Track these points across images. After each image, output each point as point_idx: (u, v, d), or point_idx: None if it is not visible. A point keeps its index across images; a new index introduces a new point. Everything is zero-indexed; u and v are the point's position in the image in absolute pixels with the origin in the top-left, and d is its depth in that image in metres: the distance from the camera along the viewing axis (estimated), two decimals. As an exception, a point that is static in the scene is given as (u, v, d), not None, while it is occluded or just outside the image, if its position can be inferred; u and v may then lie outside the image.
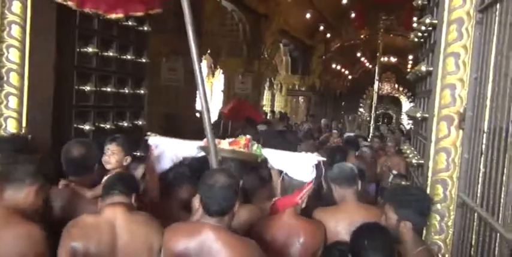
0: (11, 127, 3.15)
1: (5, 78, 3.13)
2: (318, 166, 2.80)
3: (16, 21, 3.13)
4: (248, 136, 2.97)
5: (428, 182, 2.50)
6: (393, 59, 21.33)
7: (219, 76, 13.09)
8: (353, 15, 14.14)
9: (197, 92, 2.65)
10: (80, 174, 2.90)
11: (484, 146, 2.14)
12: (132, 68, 4.65)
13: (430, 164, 2.50)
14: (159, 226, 2.30)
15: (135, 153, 3.19)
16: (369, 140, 8.91)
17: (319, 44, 16.90)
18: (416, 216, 2.27)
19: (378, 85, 13.96)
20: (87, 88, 3.96)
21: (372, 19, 14.19)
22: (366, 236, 2.10)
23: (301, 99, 19.23)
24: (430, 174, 2.50)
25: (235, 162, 2.87)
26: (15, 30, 3.13)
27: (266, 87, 16.19)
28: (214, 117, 10.88)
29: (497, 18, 2.07)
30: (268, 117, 13.84)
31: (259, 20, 11.85)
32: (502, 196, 1.86)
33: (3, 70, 3.13)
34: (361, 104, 23.57)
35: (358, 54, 20.50)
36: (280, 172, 2.86)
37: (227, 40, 11.57)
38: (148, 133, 3.28)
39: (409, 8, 10.33)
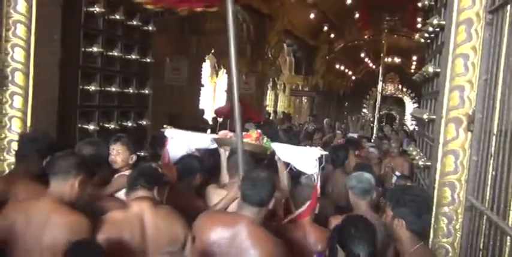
0: (16, 127, 3.15)
1: (10, 77, 3.13)
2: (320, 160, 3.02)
3: (21, 20, 3.12)
4: (259, 130, 3.17)
5: (436, 185, 2.47)
6: (397, 60, 21.24)
7: (223, 76, 13.07)
8: (357, 15, 14.07)
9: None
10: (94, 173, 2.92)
11: (493, 149, 2.12)
12: (136, 68, 4.64)
13: (438, 166, 2.47)
14: (181, 218, 2.43)
15: (138, 153, 3.25)
16: (372, 140, 8.87)
17: (322, 44, 16.84)
18: (412, 216, 2.22)
19: (382, 86, 13.93)
20: (92, 88, 3.95)
21: (376, 20, 14.13)
22: (352, 226, 2.22)
23: (304, 99, 19.19)
24: (437, 176, 2.47)
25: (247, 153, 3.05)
26: (21, 30, 3.13)
27: (269, 88, 16.18)
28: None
29: (508, 19, 2.05)
30: (271, 117, 13.83)
31: (263, 20, 11.82)
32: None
33: (9, 69, 3.12)
34: (364, 105, 23.55)
35: (362, 55, 20.42)
36: (286, 164, 3.07)
37: (231, 40, 11.50)
38: (165, 126, 3.46)
39: (414, 8, 10.29)
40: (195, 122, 8.14)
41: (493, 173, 2.09)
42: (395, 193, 2.42)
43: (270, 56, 12.74)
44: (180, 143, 3.36)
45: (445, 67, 2.47)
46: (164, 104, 7.23)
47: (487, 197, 2.13)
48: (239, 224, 2.22)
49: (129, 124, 4.52)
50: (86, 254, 1.96)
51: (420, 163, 3.00)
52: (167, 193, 2.63)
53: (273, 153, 3.09)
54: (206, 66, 11.85)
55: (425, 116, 3.00)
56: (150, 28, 4.77)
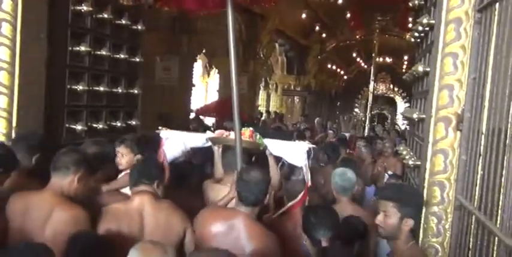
0: (1, 127, 3.09)
1: (-5, 77, 3.06)
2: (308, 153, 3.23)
3: (7, 19, 3.06)
4: (251, 128, 3.33)
5: (425, 184, 2.47)
6: (388, 60, 21.30)
7: (214, 76, 13.03)
8: (349, 15, 14.07)
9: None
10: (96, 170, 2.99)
11: (482, 148, 2.11)
12: (125, 67, 4.60)
13: (427, 165, 2.46)
14: (181, 212, 2.55)
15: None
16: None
17: (314, 44, 16.86)
18: (416, 213, 2.27)
19: (373, 85, 13.96)
20: (80, 87, 3.90)
21: (368, 19, 14.15)
22: (311, 214, 2.47)
23: (296, 99, 19.18)
24: (427, 176, 2.46)
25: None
26: (6, 28, 3.06)
27: (262, 87, 16.15)
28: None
29: (496, 17, 2.04)
30: (263, 117, 13.80)
31: (254, 19, 11.79)
32: (501, 198, 1.83)
33: (-7, 69, 3.06)
34: (356, 104, 23.61)
35: (354, 55, 20.49)
36: (278, 158, 3.29)
37: (222, 40, 11.47)
38: (160, 128, 3.54)
39: (405, 8, 10.31)
40: (186, 122, 8.09)
41: (482, 172, 2.08)
42: (396, 192, 2.39)
43: (261, 55, 12.72)
44: (175, 142, 3.45)
45: (435, 66, 2.46)
46: (155, 104, 7.18)
47: (476, 197, 2.13)
48: (236, 218, 2.37)
49: (118, 124, 4.47)
50: (86, 246, 2.07)
51: (410, 162, 3.00)
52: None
53: (265, 148, 3.28)
54: (198, 66, 11.79)
55: (415, 116, 2.98)
56: (139, 27, 4.73)
